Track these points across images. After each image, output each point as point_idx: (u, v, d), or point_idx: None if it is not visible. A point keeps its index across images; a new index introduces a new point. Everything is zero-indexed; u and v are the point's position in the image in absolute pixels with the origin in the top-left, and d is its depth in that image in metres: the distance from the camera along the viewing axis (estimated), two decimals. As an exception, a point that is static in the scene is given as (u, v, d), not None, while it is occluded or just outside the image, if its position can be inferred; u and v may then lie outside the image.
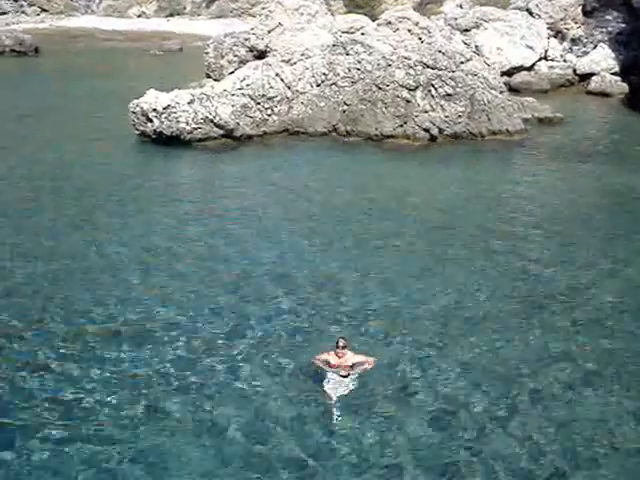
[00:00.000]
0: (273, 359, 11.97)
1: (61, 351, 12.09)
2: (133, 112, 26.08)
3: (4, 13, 69.77)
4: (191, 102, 25.90)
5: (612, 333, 13.09)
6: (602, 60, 39.28)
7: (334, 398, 10.84)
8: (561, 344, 12.65)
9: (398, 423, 10.47)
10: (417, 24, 32.07)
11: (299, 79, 27.74)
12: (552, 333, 13.01)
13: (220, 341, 12.53)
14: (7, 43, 51.70)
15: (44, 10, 70.93)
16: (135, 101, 26.15)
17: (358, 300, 14.21)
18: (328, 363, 11.36)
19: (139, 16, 70.74)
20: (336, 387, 10.99)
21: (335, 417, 10.56)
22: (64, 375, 11.42)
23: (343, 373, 11.17)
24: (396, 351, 12.33)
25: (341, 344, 11.38)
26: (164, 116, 25.51)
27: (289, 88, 27.49)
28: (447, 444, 10.03)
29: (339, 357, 11.34)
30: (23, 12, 70.34)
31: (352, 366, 11.32)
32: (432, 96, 26.78)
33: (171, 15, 70.45)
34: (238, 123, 26.15)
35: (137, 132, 26.28)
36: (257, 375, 11.53)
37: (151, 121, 25.65)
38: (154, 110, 25.55)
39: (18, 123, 29.83)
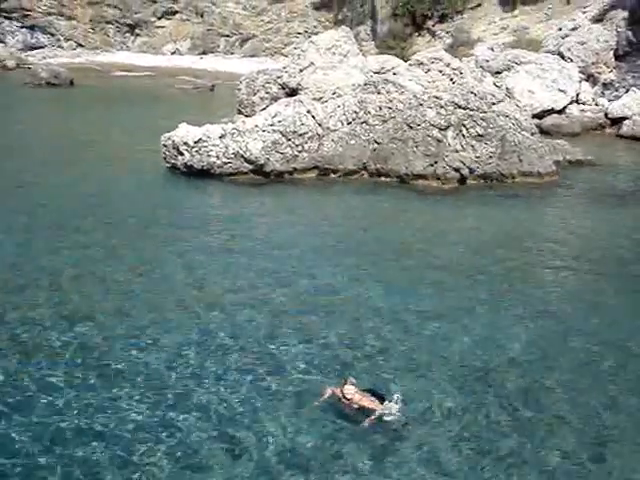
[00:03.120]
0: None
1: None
2: (164, 145, 26.30)
3: (41, 47, 71.20)
4: (222, 137, 26.07)
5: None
6: (634, 104, 39.04)
7: None
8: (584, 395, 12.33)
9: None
10: (449, 65, 32.07)
11: (330, 116, 27.81)
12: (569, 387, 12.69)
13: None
14: (43, 76, 52.67)
15: (80, 45, 72.27)
16: (167, 134, 26.38)
17: (378, 338, 13.99)
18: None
19: (173, 53, 71.82)
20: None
21: None
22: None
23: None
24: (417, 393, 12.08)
25: (349, 382, 11.20)
26: (195, 150, 25.68)
27: (320, 125, 27.56)
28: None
29: (344, 395, 11.13)
30: (59, 46, 71.72)
31: (358, 408, 11.09)
32: (463, 136, 26.71)
33: (204, 53, 71.45)
34: (268, 159, 26.23)
35: (168, 165, 26.47)
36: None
37: (182, 154, 25.83)
38: (185, 143, 25.74)
39: (50, 153, 30.22)
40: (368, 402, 11.16)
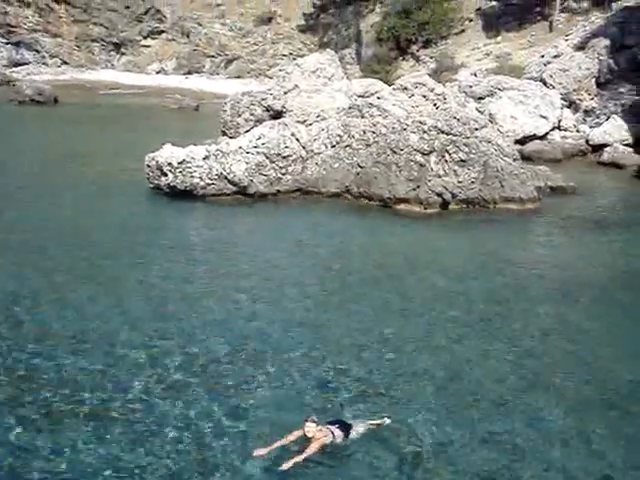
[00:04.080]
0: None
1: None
2: (148, 165, 26.29)
3: (26, 63, 71.15)
4: (206, 158, 26.10)
5: (623, 413, 12.79)
6: (615, 131, 39.50)
7: None
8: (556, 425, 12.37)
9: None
10: (432, 90, 32.35)
11: (314, 140, 27.94)
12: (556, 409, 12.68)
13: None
14: (27, 92, 52.63)
15: (65, 62, 72.30)
16: (151, 154, 26.37)
17: (357, 366, 13.96)
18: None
19: (158, 72, 71.98)
20: None
21: None
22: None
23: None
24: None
25: (309, 420, 11.11)
26: (179, 170, 25.69)
27: (304, 148, 27.67)
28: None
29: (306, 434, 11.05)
30: (44, 63, 71.75)
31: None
32: (446, 161, 26.88)
33: (190, 73, 71.65)
34: (252, 180, 26.28)
35: (151, 185, 26.44)
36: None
37: (165, 175, 25.82)
38: (169, 164, 25.75)
39: (31, 170, 30.13)
40: (321, 439, 11.03)
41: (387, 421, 11.76)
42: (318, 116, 29.34)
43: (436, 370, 13.82)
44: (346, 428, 11.38)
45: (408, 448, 11.34)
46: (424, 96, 31.75)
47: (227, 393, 12.68)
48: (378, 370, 13.75)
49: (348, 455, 11.21)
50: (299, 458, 10.70)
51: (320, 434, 11.02)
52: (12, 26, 70.69)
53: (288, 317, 16.21)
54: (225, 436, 11.38)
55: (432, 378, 13.50)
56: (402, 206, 26.10)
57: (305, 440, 10.99)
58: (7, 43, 71.00)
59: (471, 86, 42.97)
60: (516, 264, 20.89)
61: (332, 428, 11.25)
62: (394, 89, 32.62)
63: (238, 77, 69.37)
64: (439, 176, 26.74)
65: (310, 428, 10.98)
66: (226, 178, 25.96)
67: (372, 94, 33.13)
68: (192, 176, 25.73)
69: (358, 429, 11.48)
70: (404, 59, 63.67)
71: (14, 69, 69.07)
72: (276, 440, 11.02)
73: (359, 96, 32.11)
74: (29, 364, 13.21)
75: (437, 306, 17.17)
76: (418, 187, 26.35)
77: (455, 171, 26.85)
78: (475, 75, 50.24)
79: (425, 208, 26.10)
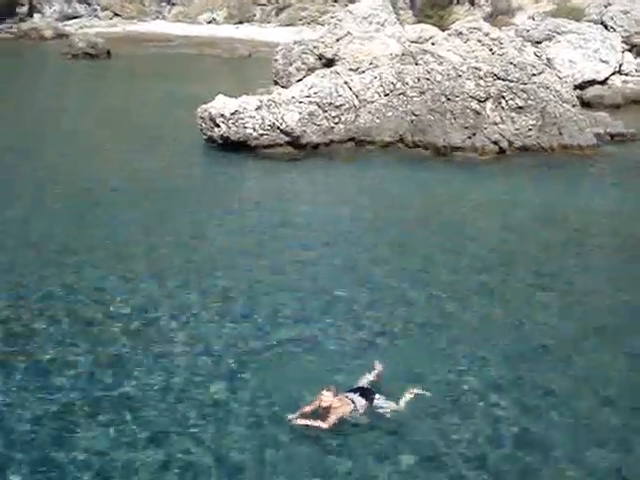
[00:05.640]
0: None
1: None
2: (201, 117, 26.25)
3: (78, 17, 71.47)
4: (258, 108, 25.93)
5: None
6: (679, 75, 38.14)
7: None
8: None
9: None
10: (488, 35, 31.54)
11: (367, 88, 27.51)
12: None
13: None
14: (80, 46, 52.81)
15: (116, 15, 72.46)
16: (203, 106, 26.31)
17: (405, 314, 13.86)
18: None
19: (209, 22, 71.63)
20: None
21: None
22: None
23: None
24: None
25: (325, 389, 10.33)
26: (231, 122, 25.59)
27: (357, 97, 27.30)
28: None
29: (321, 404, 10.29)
30: (96, 16, 72.01)
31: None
32: (502, 108, 26.30)
33: (240, 22, 71.15)
34: (305, 130, 26.07)
35: (204, 137, 26.44)
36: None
37: (218, 126, 25.77)
38: (222, 115, 25.66)
39: (85, 124, 30.40)
40: (341, 409, 10.30)
41: (427, 394, 10.95)
42: (371, 63, 28.84)
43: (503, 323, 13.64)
44: (370, 396, 10.61)
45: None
46: (479, 41, 30.98)
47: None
48: (434, 320, 13.64)
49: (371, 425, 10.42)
50: (312, 426, 10.03)
51: (339, 403, 10.28)
52: (64, -21, 70.89)
53: (340, 264, 16.20)
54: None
55: (499, 335, 13.28)
56: (457, 154, 25.69)
57: (323, 411, 10.22)
58: (60, -4, 71.32)
59: (528, 30, 41.66)
60: (575, 214, 20.44)
61: (353, 397, 10.50)
62: (448, 34, 31.89)
63: (289, 25, 68.59)
64: (495, 123, 26.21)
65: (326, 397, 10.22)
66: (279, 128, 25.80)
67: (426, 40, 32.49)
68: (245, 127, 25.62)
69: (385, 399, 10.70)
70: (458, 3, 62.23)
71: (66, 22, 69.40)
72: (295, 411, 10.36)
73: (412, 42, 31.50)
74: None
75: (494, 257, 16.95)
76: (474, 135, 25.88)
77: (512, 118, 26.28)
78: (532, 18, 48.54)
79: (481, 156, 25.65)
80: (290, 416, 10.30)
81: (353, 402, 10.43)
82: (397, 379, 11.32)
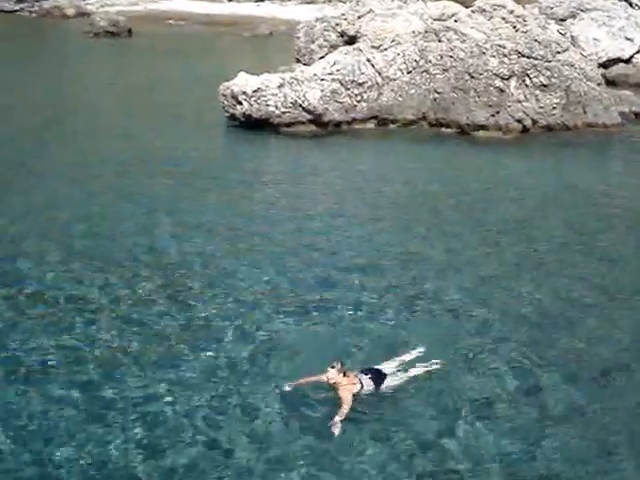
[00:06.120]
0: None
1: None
2: (223, 94, 26.24)
3: (99, -5, 71.25)
4: (281, 86, 25.87)
5: None
6: None
7: None
8: None
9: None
10: (512, 12, 31.15)
11: (390, 65, 27.34)
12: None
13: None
14: (102, 24, 52.74)
15: (138, -7, 72.12)
16: (226, 84, 26.29)
17: (434, 287, 13.88)
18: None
19: (230, 1, 71.23)
20: None
21: None
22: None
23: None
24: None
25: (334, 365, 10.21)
26: (253, 99, 25.57)
27: (379, 74, 27.14)
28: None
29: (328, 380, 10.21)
30: (118, -6, 71.68)
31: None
32: (526, 86, 26.07)
33: (262, 0, 70.74)
34: (327, 108, 25.99)
35: (226, 115, 26.43)
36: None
37: (240, 104, 25.75)
38: (244, 93, 25.64)
39: (107, 102, 30.48)
40: (347, 387, 10.14)
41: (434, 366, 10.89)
42: (393, 41, 28.61)
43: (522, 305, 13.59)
44: (380, 378, 10.49)
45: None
46: (503, 18, 30.61)
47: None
48: (462, 294, 13.64)
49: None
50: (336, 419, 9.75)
51: (345, 381, 10.15)
52: (85, -43, 70.69)
53: (360, 237, 16.28)
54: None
55: (521, 319, 13.16)
56: (480, 133, 25.54)
57: (328, 387, 10.20)
58: (81, -26, 71.18)
59: (552, 7, 41.13)
60: (598, 193, 20.26)
61: (362, 377, 10.39)
62: (472, 11, 31.52)
63: (310, 3, 68.07)
64: (519, 101, 26.00)
65: (331, 374, 10.09)
66: (301, 106, 25.74)
67: (449, 17, 32.12)
68: (267, 104, 25.59)
69: (395, 379, 10.64)
70: (481, -19, 61.44)
71: (88, 1, 69.22)
72: (299, 379, 10.44)
73: (435, 19, 31.17)
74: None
75: (514, 235, 16.89)
76: (497, 113, 25.70)
77: (536, 96, 26.05)
78: (556, -4, 48.15)
79: (504, 135, 25.49)
80: (289, 383, 10.40)
81: (361, 383, 10.33)
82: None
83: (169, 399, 10.20)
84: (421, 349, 11.37)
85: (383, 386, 10.50)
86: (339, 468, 9.05)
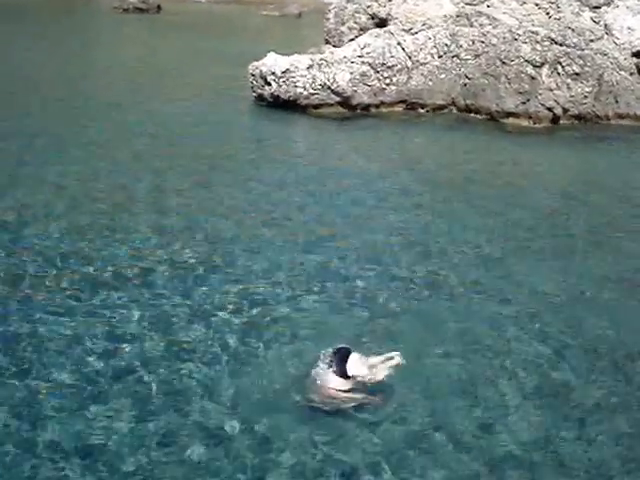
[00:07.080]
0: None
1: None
2: (252, 74, 26.17)
3: (129, -29, 71.14)
4: (310, 67, 25.75)
5: None
6: None
7: None
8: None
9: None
10: (546, -2, 30.83)
11: (420, 49, 27.10)
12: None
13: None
14: (131, 0, 52.87)
15: (168, -30, 71.91)
16: (255, 63, 26.22)
17: (459, 275, 13.72)
18: None
19: (260, -21, 70.91)
20: None
21: None
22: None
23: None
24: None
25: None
26: (282, 80, 25.48)
27: (410, 58, 26.92)
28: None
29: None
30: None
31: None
32: (558, 74, 25.76)
33: (291, -21, 70.32)
34: (356, 91, 25.84)
35: (254, 95, 26.36)
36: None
37: (269, 84, 25.67)
38: (273, 73, 25.55)
39: (135, 79, 30.52)
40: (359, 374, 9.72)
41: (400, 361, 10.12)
42: (424, 24, 28.37)
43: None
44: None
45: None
46: (536, 4, 30.28)
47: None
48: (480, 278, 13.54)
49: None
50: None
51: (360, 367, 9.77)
52: None
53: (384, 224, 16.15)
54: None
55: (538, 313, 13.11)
56: (510, 120, 25.30)
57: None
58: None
59: (586, -6, 40.67)
60: (627, 184, 20.03)
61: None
62: (505, -3, 31.22)
63: (340, -16, 67.68)
64: (550, 89, 25.70)
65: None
66: (329, 88, 25.61)
67: (481, 2, 31.79)
68: (296, 86, 25.48)
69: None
70: (514, -34, 60.70)
71: (118, -24, 69.31)
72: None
73: (467, 4, 30.86)
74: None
75: (541, 226, 16.74)
76: (528, 101, 25.43)
77: (568, 85, 25.75)
78: (590, -18, 47.48)
79: (534, 123, 25.23)
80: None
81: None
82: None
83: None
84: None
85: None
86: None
